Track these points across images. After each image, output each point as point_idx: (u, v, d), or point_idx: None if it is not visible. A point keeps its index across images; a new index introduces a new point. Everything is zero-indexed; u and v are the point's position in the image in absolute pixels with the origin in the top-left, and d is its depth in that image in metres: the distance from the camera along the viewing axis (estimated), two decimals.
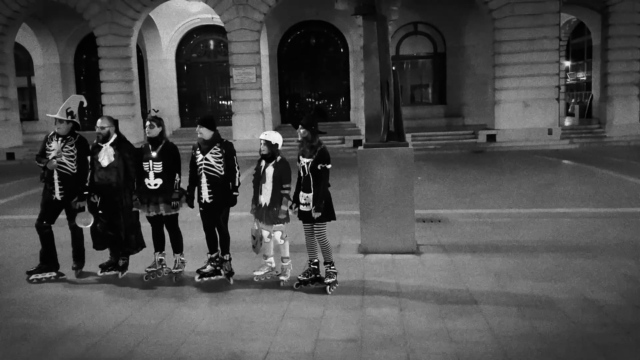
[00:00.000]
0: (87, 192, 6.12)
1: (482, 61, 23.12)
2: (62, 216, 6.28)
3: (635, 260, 6.32)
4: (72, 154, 6.11)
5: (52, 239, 6.26)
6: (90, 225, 6.13)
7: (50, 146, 6.14)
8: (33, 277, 6.17)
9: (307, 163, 5.57)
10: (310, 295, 5.53)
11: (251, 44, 20.54)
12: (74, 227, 6.25)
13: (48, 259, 6.25)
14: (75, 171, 6.12)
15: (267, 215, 5.71)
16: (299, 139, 5.63)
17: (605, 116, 21.20)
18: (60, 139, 6.13)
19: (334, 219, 5.75)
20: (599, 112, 22.49)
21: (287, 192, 5.69)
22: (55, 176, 6.07)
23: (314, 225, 5.68)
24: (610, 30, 20.51)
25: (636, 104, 20.71)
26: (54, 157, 6.02)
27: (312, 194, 5.57)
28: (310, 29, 25.92)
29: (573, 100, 32.20)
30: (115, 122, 6.22)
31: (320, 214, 5.55)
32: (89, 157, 6.17)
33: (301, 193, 5.65)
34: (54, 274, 6.26)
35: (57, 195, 6.10)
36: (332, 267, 5.72)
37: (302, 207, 5.66)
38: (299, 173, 5.70)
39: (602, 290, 5.39)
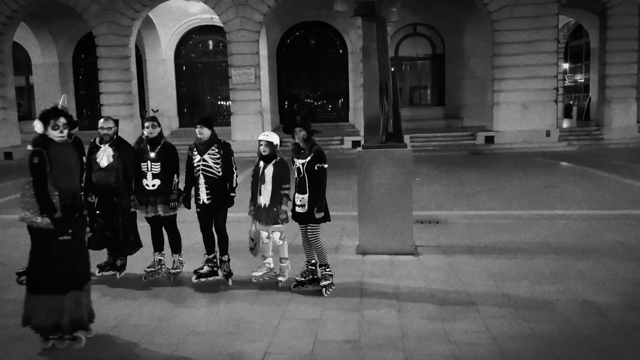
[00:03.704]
0: (82, 192, 6.10)
1: (481, 63, 23.15)
2: None
3: (633, 263, 6.33)
4: None
5: None
6: None
7: None
8: (23, 278, 6.13)
9: (303, 164, 5.55)
10: (309, 296, 5.53)
11: (250, 44, 20.54)
12: None
13: None
14: None
15: (267, 215, 5.70)
16: (295, 141, 5.61)
17: (603, 118, 21.25)
18: None
19: (329, 220, 5.73)
20: (597, 114, 22.55)
21: (287, 192, 5.68)
22: None
23: (308, 228, 5.68)
24: (609, 32, 20.58)
25: (634, 107, 20.77)
26: None
27: (307, 195, 5.55)
28: (309, 30, 25.92)
29: (571, 102, 32.27)
30: (116, 122, 6.21)
31: (322, 213, 5.53)
32: (84, 158, 6.15)
33: (296, 194, 5.64)
34: None
35: None
36: (327, 270, 5.70)
37: (297, 209, 5.65)
38: (295, 174, 5.69)
39: (600, 292, 5.40)
